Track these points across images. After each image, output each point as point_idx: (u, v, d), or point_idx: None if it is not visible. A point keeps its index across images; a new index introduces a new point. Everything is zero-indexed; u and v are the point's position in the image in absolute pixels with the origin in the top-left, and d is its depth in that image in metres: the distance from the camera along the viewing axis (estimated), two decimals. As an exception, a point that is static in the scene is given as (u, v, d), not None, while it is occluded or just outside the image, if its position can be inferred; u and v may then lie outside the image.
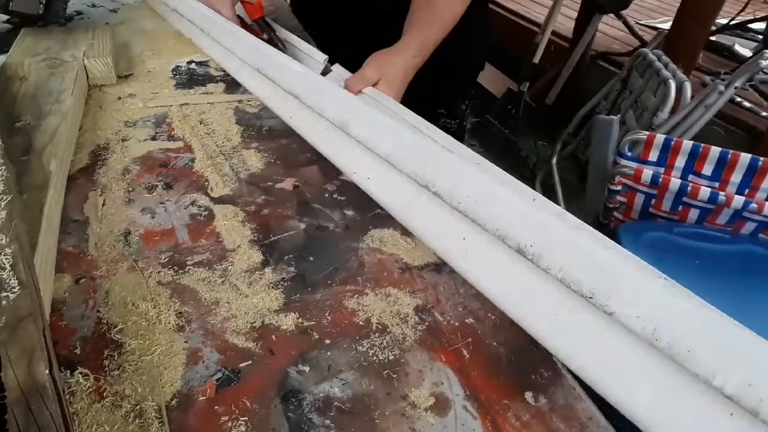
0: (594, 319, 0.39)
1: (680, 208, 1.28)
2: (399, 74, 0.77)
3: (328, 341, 0.46)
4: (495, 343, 0.46)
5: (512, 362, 0.45)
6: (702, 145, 1.24)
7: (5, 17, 0.94)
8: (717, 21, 2.35)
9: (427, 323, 0.48)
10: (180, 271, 0.51)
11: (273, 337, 0.46)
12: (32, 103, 0.67)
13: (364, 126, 0.60)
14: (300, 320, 0.47)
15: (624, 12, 2.63)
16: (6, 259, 0.39)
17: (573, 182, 2.29)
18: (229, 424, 0.39)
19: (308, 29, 1.13)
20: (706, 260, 1.17)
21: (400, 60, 0.78)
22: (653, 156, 1.30)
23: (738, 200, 1.18)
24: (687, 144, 1.25)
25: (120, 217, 0.57)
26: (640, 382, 0.37)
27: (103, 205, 0.58)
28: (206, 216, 0.58)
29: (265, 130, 0.74)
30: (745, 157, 1.20)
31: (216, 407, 0.40)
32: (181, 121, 0.75)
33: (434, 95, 1.10)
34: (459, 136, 1.24)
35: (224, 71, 0.89)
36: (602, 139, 1.59)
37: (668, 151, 1.28)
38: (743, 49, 2.74)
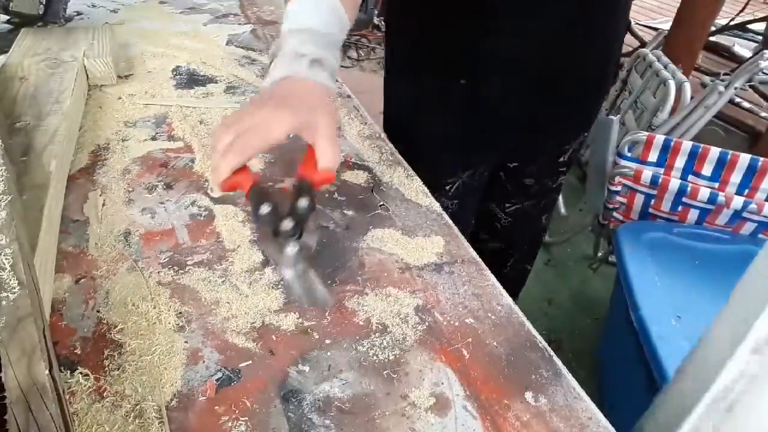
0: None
1: (680, 208, 1.28)
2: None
3: (328, 341, 0.46)
4: (495, 343, 0.46)
5: (512, 362, 0.45)
6: (702, 145, 1.25)
7: (5, 17, 0.94)
8: (717, 21, 2.36)
9: (427, 323, 0.48)
10: (180, 271, 0.51)
11: (273, 337, 0.46)
12: (32, 103, 0.67)
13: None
14: (300, 320, 0.47)
15: (624, 12, 2.63)
16: (6, 259, 0.39)
17: (573, 182, 2.29)
18: (229, 424, 0.39)
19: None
20: (705, 260, 1.17)
21: None
22: (653, 156, 1.30)
23: (737, 201, 1.18)
24: (687, 144, 1.26)
25: (120, 217, 0.57)
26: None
27: (103, 205, 0.58)
28: (206, 216, 0.58)
29: (265, 130, 0.74)
30: (744, 158, 1.21)
31: (216, 407, 0.40)
32: (181, 121, 0.75)
33: (558, 145, 0.94)
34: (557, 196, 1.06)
35: (223, 71, 0.89)
36: (602, 139, 1.59)
37: (668, 152, 1.28)
38: (743, 49, 2.74)
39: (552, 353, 0.46)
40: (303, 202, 0.48)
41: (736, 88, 1.69)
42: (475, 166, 0.92)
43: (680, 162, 1.28)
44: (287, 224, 0.45)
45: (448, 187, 0.92)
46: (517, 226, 1.05)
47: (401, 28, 0.85)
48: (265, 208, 0.47)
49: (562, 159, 0.95)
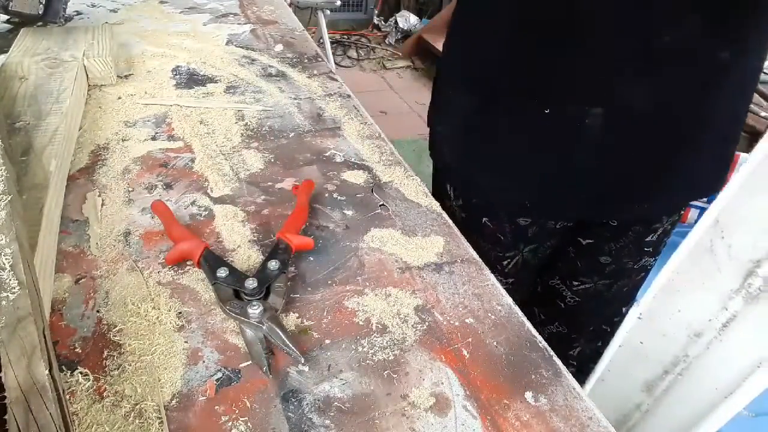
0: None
1: (680, 208, 1.27)
2: None
3: (328, 341, 0.46)
4: (495, 343, 0.46)
5: (512, 362, 0.45)
6: (702, 145, 1.24)
7: (5, 17, 0.94)
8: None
9: (427, 323, 0.48)
10: (180, 271, 0.51)
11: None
12: (32, 103, 0.67)
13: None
14: (300, 320, 0.47)
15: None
16: (6, 259, 0.39)
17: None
18: (229, 424, 0.39)
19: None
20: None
21: None
22: (653, 156, 1.30)
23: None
24: (687, 144, 1.26)
25: (120, 217, 0.57)
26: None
27: (102, 204, 0.58)
28: (206, 216, 0.58)
29: (265, 130, 0.74)
30: (744, 157, 1.21)
31: (216, 407, 0.40)
32: (181, 121, 0.75)
33: (650, 222, 0.74)
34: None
35: (223, 71, 0.89)
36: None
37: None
38: (743, 49, 2.73)
39: (552, 353, 0.46)
40: (273, 264, 0.49)
41: (736, 88, 1.69)
42: (540, 239, 0.76)
43: (680, 162, 1.28)
44: (250, 283, 0.46)
45: (505, 263, 0.77)
46: (584, 308, 0.85)
47: (467, 46, 0.70)
48: (222, 272, 0.48)
49: (649, 238, 0.76)
